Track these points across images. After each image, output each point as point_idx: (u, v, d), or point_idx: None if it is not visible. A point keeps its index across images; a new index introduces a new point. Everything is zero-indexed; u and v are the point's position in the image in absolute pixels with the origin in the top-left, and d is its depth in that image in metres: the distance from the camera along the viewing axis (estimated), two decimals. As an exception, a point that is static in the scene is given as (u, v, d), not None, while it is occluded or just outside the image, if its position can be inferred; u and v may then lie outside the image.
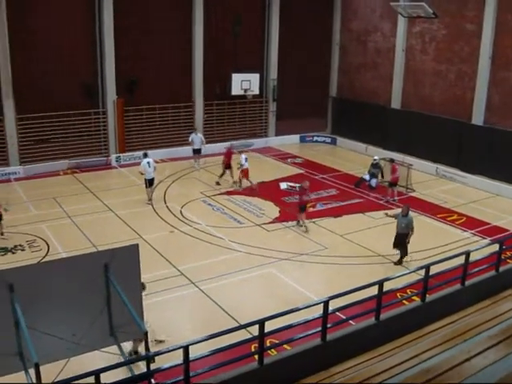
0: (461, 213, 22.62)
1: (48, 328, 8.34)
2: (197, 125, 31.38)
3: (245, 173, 24.96)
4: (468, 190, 25.96)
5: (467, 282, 12.79)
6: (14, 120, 26.19)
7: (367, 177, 25.50)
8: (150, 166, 22.57)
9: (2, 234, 18.81)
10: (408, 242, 17.30)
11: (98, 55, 28.02)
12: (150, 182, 22.71)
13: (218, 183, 25.42)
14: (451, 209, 23.15)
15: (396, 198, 23.73)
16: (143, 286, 10.79)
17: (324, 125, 36.36)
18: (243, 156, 25.26)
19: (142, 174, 22.75)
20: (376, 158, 25.90)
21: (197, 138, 28.05)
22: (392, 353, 9.99)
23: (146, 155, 23.31)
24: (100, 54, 28.01)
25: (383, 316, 11.09)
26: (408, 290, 14.14)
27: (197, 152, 28.28)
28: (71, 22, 27.01)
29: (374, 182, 25.29)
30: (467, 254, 12.70)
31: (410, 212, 17.50)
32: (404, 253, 17.45)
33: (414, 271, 12.94)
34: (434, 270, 11.96)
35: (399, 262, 17.44)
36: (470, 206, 23.46)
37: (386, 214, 19.26)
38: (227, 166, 25.81)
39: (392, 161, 24.41)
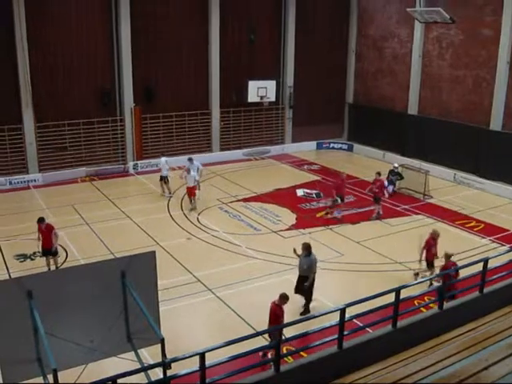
0: (479, 219, 22.42)
1: (66, 334, 8.42)
2: (214, 132, 31.51)
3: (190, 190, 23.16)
4: (486, 196, 25.72)
5: (485, 290, 12.66)
6: (34, 128, 26.50)
7: (385, 183, 25.22)
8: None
9: None
10: (310, 286, 14.56)
11: (115, 64, 28.26)
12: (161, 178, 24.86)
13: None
14: (469, 215, 22.95)
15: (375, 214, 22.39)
16: None
17: (340, 131, 36.28)
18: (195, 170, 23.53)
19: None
20: (396, 165, 25.69)
21: (193, 167, 23.78)
22: (409, 361, 9.90)
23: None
24: (117, 62, 28.25)
25: (400, 323, 11.02)
26: (425, 298, 14.06)
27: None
28: (89, 31, 27.29)
29: (390, 188, 25.13)
30: (485, 261, 12.58)
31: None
32: (308, 299, 14.74)
33: (431, 278, 12.85)
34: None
35: (305, 312, 14.51)
36: (489, 213, 23.24)
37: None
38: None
39: (379, 174, 22.95)
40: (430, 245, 16.34)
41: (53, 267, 16.95)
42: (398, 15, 31.38)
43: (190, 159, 24.37)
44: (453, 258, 14.60)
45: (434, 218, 22.33)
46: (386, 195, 23.24)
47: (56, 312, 8.40)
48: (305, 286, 14.42)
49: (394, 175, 25.46)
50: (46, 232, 16.79)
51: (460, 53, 28.25)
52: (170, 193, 24.83)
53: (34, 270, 16.32)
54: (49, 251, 16.91)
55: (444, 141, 28.69)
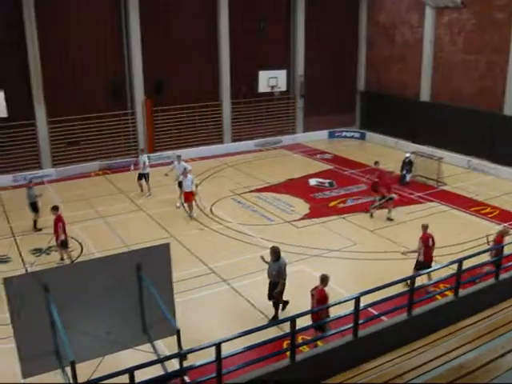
0: (494, 206, 22.28)
1: (83, 327, 8.50)
2: (225, 123, 31.52)
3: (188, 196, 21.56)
4: (501, 182, 25.53)
5: (501, 276, 12.60)
6: (46, 123, 26.67)
7: (404, 174, 24.94)
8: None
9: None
10: (280, 293, 13.91)
11: (125, 57, 28.34)
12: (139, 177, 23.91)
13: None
14: (484, 202, 22.80)
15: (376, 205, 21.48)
16: None
17: (352, 120, 36.14)
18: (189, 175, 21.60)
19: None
20: (408, 154, 25.50)
21: (179, 167, 22.58)
22: (424, 349, 9.89)
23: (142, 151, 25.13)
24: (127, 55, 28.31)
25: (415, 311, 11.01)
26: (441, 285, 14.01)
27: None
28: (98, 25, 27.37)
29: (408, 177, 24.95)
30: (501, 247, 12.52)
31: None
32: (277, 305, 14.15)
33: (446, 266, 12.78)
34: (466, 264, 11.82)
35: (274, 318, 14.00)
36: (503, 199, 23.08)
37: (402, 252, 16.46)
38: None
39: (377, 163, 22.40)
40: None
41: (67, 261, 17.13)
42: (409, 1, 31.15)
43: (179, 156, 23.23)
44: (468, 245, 14.49)
45: (448, 205, 22.22)
46: (407, 180, 22.92)
47: (73, 305, 8.48)
48: (274, 293, 13.81)
49: (407, 165, 25.21)
50: (54, 223, 17.13)
51: (472, 37, 27.96)
52: (149, 190, 23.88)
53: (50, 265, 16.54)
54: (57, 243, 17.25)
55: (457, 127, 28.46)
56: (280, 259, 13.83)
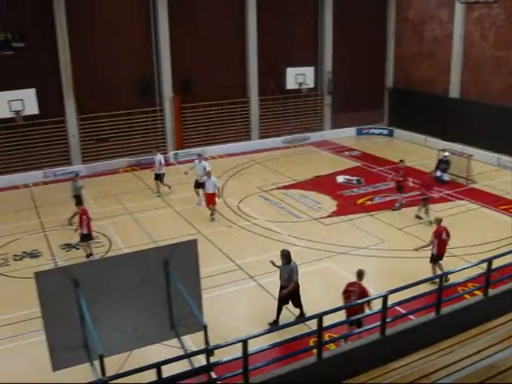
0: (524, 204, 21.95)
1: (111, 321, 8.60)
2: (253, 120, 31.55)
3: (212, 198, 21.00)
4: (532, 180, 25.12)
5: (532, 276, 12.40)
6: (76, 120, 27.00)
7: (438, 173, 24.63)
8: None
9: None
10: (298, 296, 13.76)
11: (153, 54, 28.54)
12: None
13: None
14: (514, 200, 22.48)
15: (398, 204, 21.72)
16: None
17: (381, 116, 35.86)
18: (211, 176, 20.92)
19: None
20: (446, 154, 25.11)
21: (199, 166, 22.26)
22: (452, 349, 9.78)
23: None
24: (156, 52, 28.52)
25: (444, 310, 10.89)
26: (470, 284, 13.85)
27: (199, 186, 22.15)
28: (127, 23, 27.63)
29: (446, 176, 24.62)
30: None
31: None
32: (300, 307, 13.95)
33: (476, 265, 12.61)
34: (496, 263, 11.65)
35: (300, 315, 13.91)
36: (534, 197, 22.72)
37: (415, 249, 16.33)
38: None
39: (402, 162, 22.07)
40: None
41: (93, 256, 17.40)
42: (438, -3, 30.80)
43: (200, 155, 22.87)
44: (498, 244, 14.30)
45: (477, 203, 21.94)
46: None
47: (101, 300, 8.57)
48: (282, 293, 13.52)
49: (445, 164, 24.83)
50: (78, 217, 17.39)
51: (503, 33, 27.49)
52: (158, 192, 23.73)
53: (80, 260, 16.75)
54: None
55: (487, 124, 28.02)
56: (291, 262, 13.52)
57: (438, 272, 14.83)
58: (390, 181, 22.57)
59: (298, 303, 13.86)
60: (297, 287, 13.60)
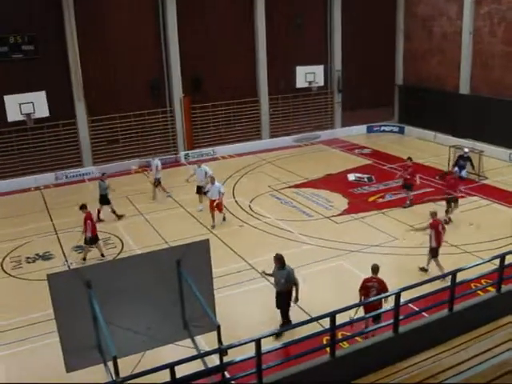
0: (537, 200, 21.77)
1: (124, 322, 8.64)
2: (263, 119, 31.56)
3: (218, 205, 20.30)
4: (544, 175, 24.95)
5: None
6: (86, 122, 27.15)
7: (457, 169, 24.51)
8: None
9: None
10: (297, 300, 13.23)
11: (163, 55, 28.63)
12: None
13: None
14: (527, 196, 22.30)
15: (408, 201, 21.59)
16: None
17: (391, 114, 35.75)
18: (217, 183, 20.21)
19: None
20: (466, 150, 24.76)
21: (200, 171, 21.81)
22: (466, 345, 9.73)
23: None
24: (165, 53, 28.60)
25: (457, 307, 10.83)
26: (482, 281, 13.75)
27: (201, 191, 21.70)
28: (136, 24, 27.71)
29: (464, 172, 24.41)
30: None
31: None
32: (286, 312, 13.34)
33: (488, 261, 12.54)
34: (509, 259, 11.58)
35: (283, 324, 13.28)
36: (547, 193, 22.54)
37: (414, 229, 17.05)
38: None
39: (410, 159, 22.03)
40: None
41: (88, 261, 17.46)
42: (447, -7, 30.63)
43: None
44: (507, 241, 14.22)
45: (489, 199, 21.81)
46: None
47: (114, 301, 8.62)
48: (295, 300, 13.09)
49: (465, 160, 24.63)
50: (83, 221, 17.44)
51: (513, 28, 27.34)
52: (154, 198, 23.28)
53: (92, 261, 16.83)
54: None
55: (497, 119, 27.87)
56: (286, 266, 12.98)
57: (440, 267, 15.33)
58: (399, 178, 22.43)
59: (285, 306, 13.13)
60: (291, 289, 13.06)
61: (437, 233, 15.64)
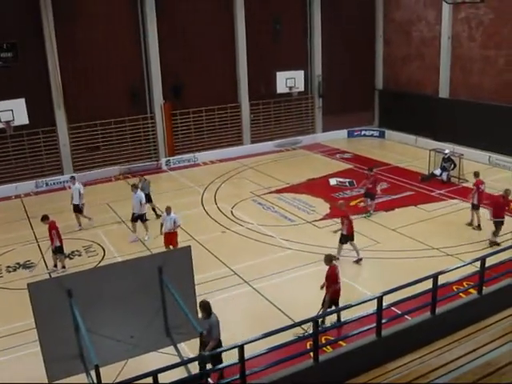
0: (517, 201, 21.97)
1: (106, 331, 8.56)
2: (244, 124, 31.59)
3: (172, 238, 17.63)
4: (524, 177, 25.20)
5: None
6: (67, 129, 26.96)
7: (438, 171, 24.72)
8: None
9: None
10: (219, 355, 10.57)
11: (143, 61, 28.55)
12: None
13: None
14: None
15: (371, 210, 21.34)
16: None
17: (371, 118, 35.97)
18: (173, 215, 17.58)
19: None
20: (447, 151, 25.12)
21: (135, 198, 19.88)
22: (449, 347, 9.80)
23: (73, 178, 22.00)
24: (145, 60, 28.52)
25: (439, 310, 10.92)
26: (464, 283, 13.87)
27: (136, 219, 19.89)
28: (116, 31, 27.57)
29: (445, 175, 24.67)
30: (524, 243, 12.36)
31: None
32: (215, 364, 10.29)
33: (469, 263, 12.65)
34: (490, 261, 11.70)
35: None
36: (527, 194, 22.72)
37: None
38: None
39: (371, 170, 21.76)
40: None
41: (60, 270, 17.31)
42: (425, -2, 30.96)
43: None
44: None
45: (469, 202, 21.97)
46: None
47: (96, 309, 8.54)
48: (206, 350, 10.61)
49: (447, 162, 24.88)
50: (48, 231, 17.23)
51: (490, 32, 27.63)
52: (80, 225, 21.01)
53: (73, 269, 16.64)
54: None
55: (477, 123, 28.14)
56: (212, 315, 11.03)
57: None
58: (362, 186, 22.40)
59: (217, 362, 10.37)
60: (218, 345, 10.86)
61: (349, 222, 17.04)
